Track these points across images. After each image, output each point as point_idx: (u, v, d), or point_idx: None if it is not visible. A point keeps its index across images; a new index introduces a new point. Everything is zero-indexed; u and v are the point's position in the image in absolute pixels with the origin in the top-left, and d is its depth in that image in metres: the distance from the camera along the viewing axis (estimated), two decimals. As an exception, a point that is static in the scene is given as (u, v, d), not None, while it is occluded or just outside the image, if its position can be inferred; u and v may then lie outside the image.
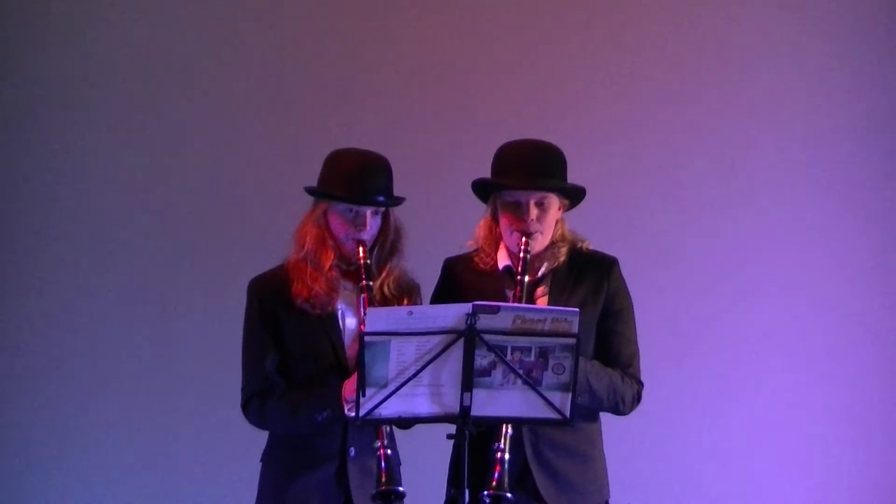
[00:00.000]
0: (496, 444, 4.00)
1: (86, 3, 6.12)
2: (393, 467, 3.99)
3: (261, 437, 4.29)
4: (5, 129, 6.10)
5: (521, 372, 3.80)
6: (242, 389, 4.23)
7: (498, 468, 3.98)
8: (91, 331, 6.04)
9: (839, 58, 6.10)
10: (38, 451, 6.01)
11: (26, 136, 6.09)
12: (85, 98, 6.09)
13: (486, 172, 4.29)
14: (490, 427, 4.01)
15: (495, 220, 4.30)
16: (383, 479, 3.95)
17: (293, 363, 4.19)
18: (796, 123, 6.09)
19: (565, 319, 3.80)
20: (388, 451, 3.98)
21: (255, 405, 4.18)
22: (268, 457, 4.25)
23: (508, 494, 3.96)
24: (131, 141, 6.08)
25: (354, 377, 3.89)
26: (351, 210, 4.16)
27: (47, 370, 6.03)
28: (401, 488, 3.98)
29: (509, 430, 4.02)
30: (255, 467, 4.29)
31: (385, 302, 4.19)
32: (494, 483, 3.97)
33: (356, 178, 4.14)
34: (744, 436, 6.01)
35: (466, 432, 3.85)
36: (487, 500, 3.97)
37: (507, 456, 3.99)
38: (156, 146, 6.09)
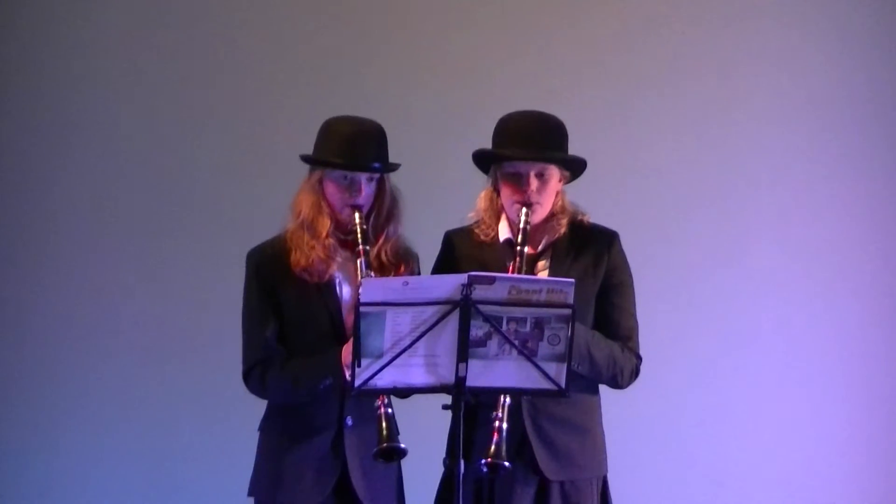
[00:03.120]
0: (494, 413, 4.00)
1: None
2: (394, 425, 3.97)
3: (260, 407, 4.29)
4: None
5: (516, 342, 3.79)
6: (243, 359, 4.24)
7: (496, 436, 3.98)
8: (89, 298, 6.10)
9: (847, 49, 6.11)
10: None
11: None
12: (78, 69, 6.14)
13: (486, 143, 4.28)
14: (490, 400, 4.01)
15: (496, 191, 4.29)
16: (384, 436, 3.94)
17: (291, 332, 4.20)
18: (805, 98, 6.09)
19: (561, 290, 3.79)
20: (390, 410, 3.97)
21: (256, 375, 4.19)
22: (265, 425, 4.27)
23: (506, 463, 3.96)
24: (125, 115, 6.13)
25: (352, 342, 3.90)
26: (346, 177, 4.17)
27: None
28: (402, 445, 3.97)
29: (507, 400, 4.02)
30: (254, 436, 4.29)
31: (382, 269, 4.19)
32: (492, 451, 3.97)
33: (350, 145, 4.15)
34: (743, 415, 6.00)
35: (462, 403, 3.84)
36: (485, 469, 3.97)
37: (505, 425, 3.99)
38: (149, 125, 6.12)
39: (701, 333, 6.00)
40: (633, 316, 4.29)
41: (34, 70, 6.12)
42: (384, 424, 3.96)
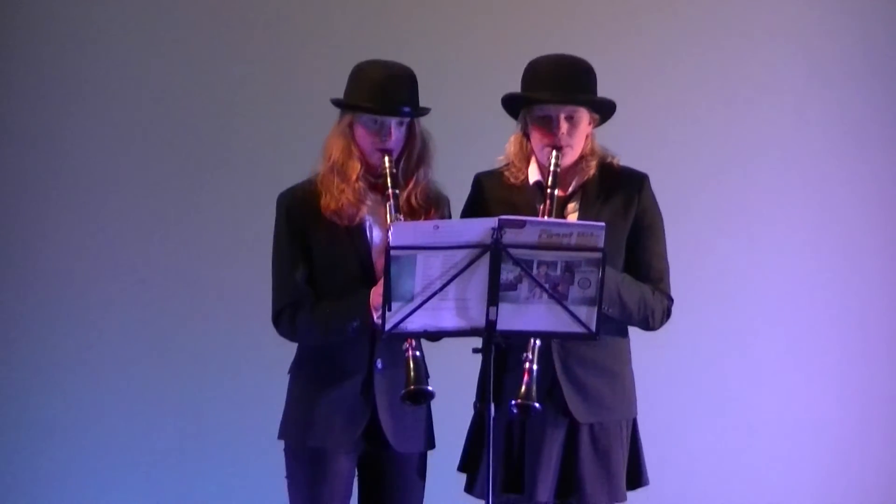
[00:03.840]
0: (525, 354, 4.02)
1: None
2: (421, 367, 3.99)
3: (289, 350, 4.31)
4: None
5: (546, 286, 3.80)
6: (273, 302, 4.25)
7: (526, 377, 4.00)
8: (113, 252, 6.13)
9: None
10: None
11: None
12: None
13: (515, 87, 4.27)
14: (520, 343, 4.03)
15: (526, 135, 4.28)
16: (412, 378, 3.96)
17: (321, 276, 4.20)
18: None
19: (591, 234, 3.80)
20: (418, 353, 3.98)
21: (286, 317, 4.20)
22: (295, 369, 4.28)
23: (536, 404, 3.98)
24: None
25: (381, 284, 3.90)
26: (375, 121, 4.17)
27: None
28: (430, 388, 3.99)
29: (537, 342, 4.03)
30: (284, 379, 4.31)
31: (412, 213, 4.19)
32: (522, 392, 3.99)
33: (380, 89, 4.15)
34: (777, 357, 6.01)
35: (492, 346, 3.85)
36: (515, 410, 3.99)
37: (535, 366, 4.01)
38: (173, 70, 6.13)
39: (734, 274, 6.01)
40: (664, 258, 4.28)
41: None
42: (412, 366, 3.97)
